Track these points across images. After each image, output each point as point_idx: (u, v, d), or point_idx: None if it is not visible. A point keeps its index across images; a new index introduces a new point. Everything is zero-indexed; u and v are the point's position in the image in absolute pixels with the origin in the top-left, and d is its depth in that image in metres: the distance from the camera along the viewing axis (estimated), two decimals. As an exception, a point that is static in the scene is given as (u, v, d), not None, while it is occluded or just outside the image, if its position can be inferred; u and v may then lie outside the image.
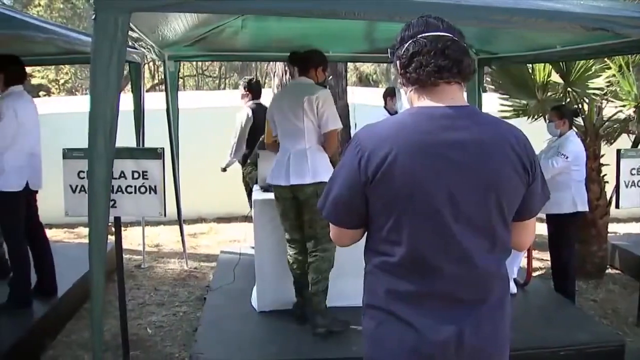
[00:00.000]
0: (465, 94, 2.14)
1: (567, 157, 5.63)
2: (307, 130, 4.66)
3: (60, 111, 10.71)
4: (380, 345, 2.11)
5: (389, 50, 2.19)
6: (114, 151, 3.36)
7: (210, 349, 4.58)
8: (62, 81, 26.73)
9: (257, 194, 5.32)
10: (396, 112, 8.27)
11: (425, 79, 2.04)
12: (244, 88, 7.62)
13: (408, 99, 2.15)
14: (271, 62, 9.13)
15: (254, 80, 7.83)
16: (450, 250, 1.99)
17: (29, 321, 5.12)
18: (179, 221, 7.57)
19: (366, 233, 2.18)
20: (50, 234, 5.85)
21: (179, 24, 5.33)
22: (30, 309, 5.30)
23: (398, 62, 2.12)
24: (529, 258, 6.10)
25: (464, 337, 2.00)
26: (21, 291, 5.29)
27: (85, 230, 9.07)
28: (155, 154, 4.55)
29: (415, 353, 2.02)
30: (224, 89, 29.01)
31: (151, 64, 23.37)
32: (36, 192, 5.47)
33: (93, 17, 3.26)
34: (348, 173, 2.05)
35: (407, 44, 2.07)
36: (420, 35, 2.05)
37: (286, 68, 8.42)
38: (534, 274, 6.41)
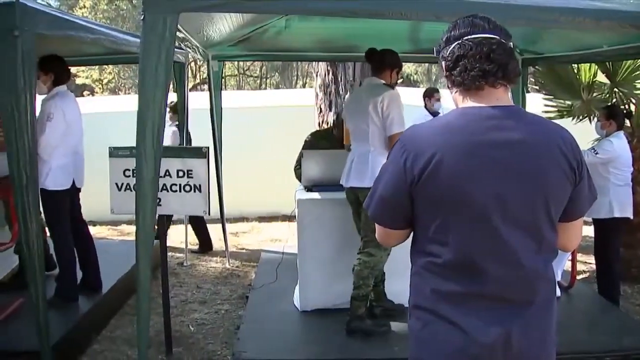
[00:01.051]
0: (510, 95, 2.12)
1: (596, 153, 5.50)
2: (372, 133, 4.63)
3: (103, 110, 10.87)
4: (426, 345, 2.10)
5: (434, 49, 2.18)
6: (161, 150, 3.40)
7: (252, 347, 4.60)
8: (105, 81, 27.12)
9: (301, 194, 5.34)
10: (437, 113, 8.27)
11: (470, 83, 2.03)
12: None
13: (453, 100, 2.14)
14: (313, 62, 9.15)
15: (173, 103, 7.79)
16: (497, 251, 1.98)
17: (75, 315, 5.21)
18: (222, 220, 7.62)
19: (412, 234, 2.17)
20: (94, 231, 5.94)
21: (224, 24, 5.38)
22: (77, 303, 5.40)
23: (443, 62, 2.12)
24: (573, 261, 6.02)
25: (512, 339, 1.98)
26: (67, 286, 5.39)
27: (128, 228, 9.30)
28: (201, 153, 4.60)
29: (462, 354, 2.01)
30: (265, 88, 29.12)
31: (192, 63, 23.55)
32: (79, 189, 5.57)
33: (142, 17, 3.31)
34: (394, 173, 2.05)
35: (453, 45, 2.06)
36: (466, 38, 2.03)
37: (329, 68, 8.44)
38: (578, 277, 6.32)
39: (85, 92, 24.98)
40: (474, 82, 2.02)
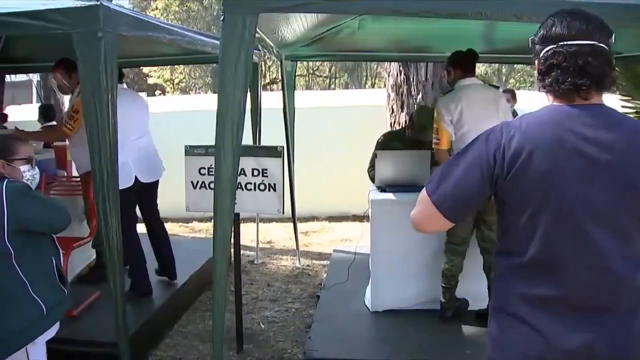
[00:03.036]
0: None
1: None
2: None
3: (174, 110, 11.06)
4: (505, 349, 2.07)
5: (529, 40, 2.12)
6: (240, 148, 3.44)
7: (323, 346, 4.61)
8: (176, 81, 27.64)
9: (375, 194, 5.32)
10: (514, 112, 8.13)
11: (561, 95, 2.00)
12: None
13: (546, 96, 2.09)
14: (385, 63, 9.12)
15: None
16: (584, 252, 1.93)
17: (150, 310, 5.33)
18: (293, 219, 7.65)
19: (497, 235, 2.14)
20: (166, 227, 6.07)
21: (298, 24, 5.41)
22: (151, 298, 5.54)
23: (536, 61, 2.07)
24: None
25: (595, 348, 1.93)
26: (140, 280, 5.53)
27: (199, 225, 9.44)
28: (276, 152, 4.63)
29: None
30: (334, 88, 29.20)
31: (262, 63, 23.79)
32: (153, 185, 5.69)
33: (222, 18, 3.35)
34: (479, 165, 2.01)
35: (547, 49, 2.01)
36: (562, 44, 1.97)
37: (401, 68, 8.40)
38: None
39: (156, 92, 25.51)
40: (565, 95, 1.98)
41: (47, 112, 8.43)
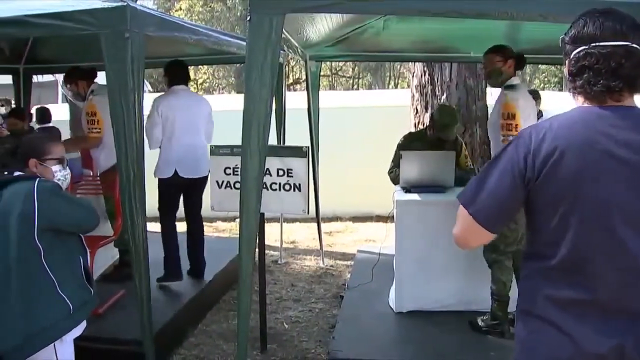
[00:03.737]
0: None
1: None
2: None
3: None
4: (532, 352, 2.05)
5: (560, 39, 2.08)
6: (266, 148, 3.45)
7: (347, 346, 4.59)
8: (200, 81, 27.73)
9: (399, 195, 5.30)
10: (539, 113, 8.06)
11: (592, 97, 1.97)
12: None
13: (574, 97, 2.07)
14: (409, 63, 9.10)
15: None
16: (615, 254, 1.90)
17: (174, 308, 5.35)
18: (317, 219, 7.64)
19: (526, 236, 2.12)
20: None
21: (323, 24, 5.42)
22: (176, 297, 5.59)
23: (567, 61, 2.04)
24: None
25: (625, 352, 1.89)
26: (172, 266, 5.81)
27: (223, 225, 9.46)
28: (301, 152, 4.62)
29: None
30: (357, 89, 29.16)
31: (285, 63, 23.81)
32: (194, 182, 5.87)
33: (248, 18, 3.37)
34: (510, 171, 1.99)
35: (579, 50, 1.98)
36: (594, 45, 1.94)
37: (425, 68, 8.38)
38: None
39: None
40: (597, 97, 1.96)
41: (42, 115, 8.74)
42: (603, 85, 1.93)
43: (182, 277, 5.86)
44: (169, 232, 5.84)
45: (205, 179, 5.77)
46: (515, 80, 4.74)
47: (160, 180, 5.72)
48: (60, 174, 3.34)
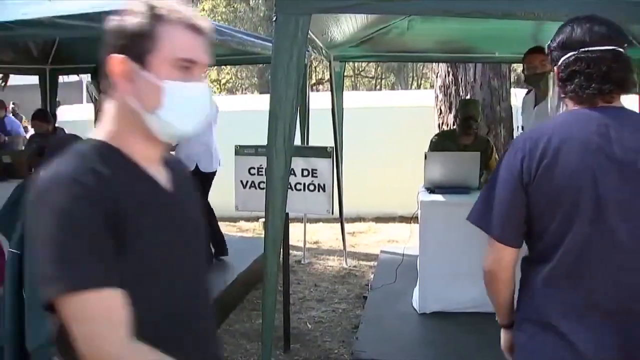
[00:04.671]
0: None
1: None
2: None
3: (222, 110, 11.10)
4: (532, 358, 2.04)
5: (546, 46, 2.11)
6: (292, 148, 3.46)
7: (371, 347, 4.60)
8: (223, 81, 27.79)
9: (424, 195, 5.30)
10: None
11: (584, 101, 1.99)
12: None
13: (563, 102, 2.10)
14: (433, 63, 9.08)
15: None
16: (613, 252, 1.90)
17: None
18: (341, 219, 7.63)
19: (525, 242, 2.09)
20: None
21: (348, 25, 5.43)
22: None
23: (555, 68, 2.06)
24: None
25: (626, 357, 1.89)
26: (219, 241, 6.59)
27: (246, 225, 9.49)
28: (326, 152, 4.63)
29: None
30: (380, 89, 29.10)
31: (309, 64, 23.83)
32: (209, 176, 6.36)
33: (274, 18, 3.38)
34: (511, 176, 2.00)
35: (568, 56, 1.99)
36: (583, 50, 1.96)
37: (449, 69, 8.35)
38: None
39: (203, 92, 25.70)
40: (589, 99, 1.98)
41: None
42: (595, 89, 1.95)
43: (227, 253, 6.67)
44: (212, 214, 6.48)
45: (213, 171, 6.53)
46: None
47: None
48: None
